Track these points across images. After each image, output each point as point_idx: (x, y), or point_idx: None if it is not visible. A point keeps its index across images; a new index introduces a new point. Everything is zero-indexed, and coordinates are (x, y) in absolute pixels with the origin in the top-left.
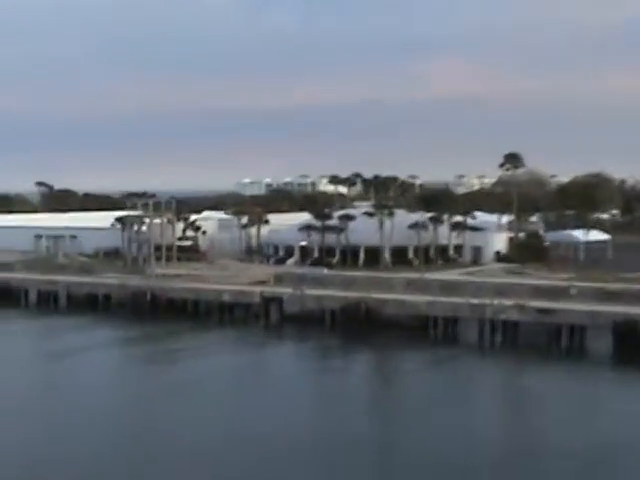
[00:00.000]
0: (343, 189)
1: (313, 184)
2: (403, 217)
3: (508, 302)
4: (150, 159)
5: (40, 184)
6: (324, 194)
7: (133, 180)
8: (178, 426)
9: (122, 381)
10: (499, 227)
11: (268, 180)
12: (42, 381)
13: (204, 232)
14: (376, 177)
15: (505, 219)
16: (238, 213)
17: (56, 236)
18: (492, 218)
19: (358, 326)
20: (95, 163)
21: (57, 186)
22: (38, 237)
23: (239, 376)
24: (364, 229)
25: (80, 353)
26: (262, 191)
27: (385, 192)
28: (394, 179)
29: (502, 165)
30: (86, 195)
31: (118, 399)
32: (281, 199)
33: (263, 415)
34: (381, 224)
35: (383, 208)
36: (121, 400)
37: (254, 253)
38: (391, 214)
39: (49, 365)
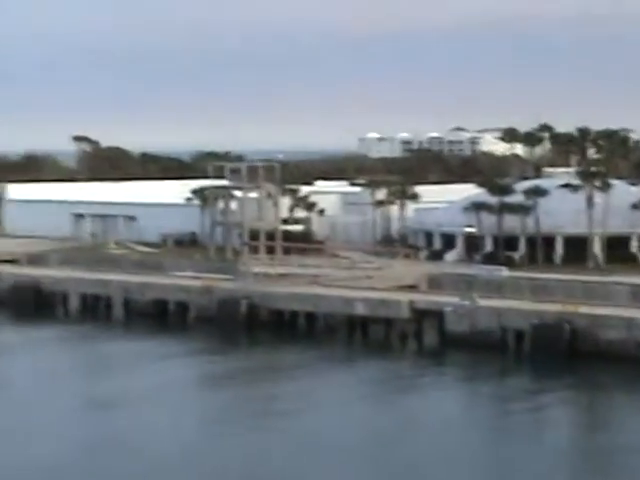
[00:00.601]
0: (519, 149)
1: (473, 141)
2: (622, 191)
3: None
4: (232, 106)
5: (80, 139)
6: (491, 156)
7: (209, 135)
8: None
9: (204, 455)
10: None
11: (405, 136)
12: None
13: (321, 212)
14: (582, 130)
15: None
16: (371, 185)
17: (105, 215)
18: None
19: (559, 357)
20: (157, 112)
21: (104, 142)
22: (79, 217)
23: (385, 452)
24: (562, 209)
25: (142, 403)
26: (397, 152)
27: (598, 153)
28: (610, 133)
29: None
30: (145, 156)
31: None
32: (427, 163)
33: None
34: (589, 202)
35: (592, 177)
36: None
37: (396, 243)
38: (606, 186)
39: (104, 433)
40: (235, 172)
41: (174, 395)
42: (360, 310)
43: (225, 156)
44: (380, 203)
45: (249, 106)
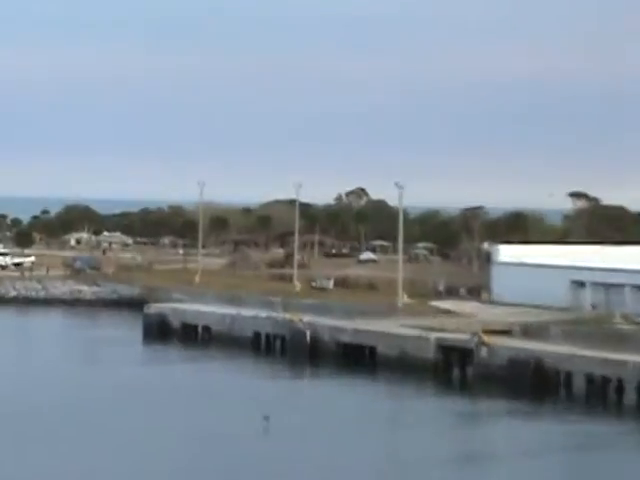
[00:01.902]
0: None
1: None
2: None
3: None
4: None
5: (577, 195)
6: None
7: None
8: None
9: None
10: None
11: None
12: None
13: None
14: None
15: None
16: None
17: (609, 284)
18: None
19: None
20: None
21: (605, 199)
22: (578, 284)
23: None
24: None
25: None
26: None
27: None
28: None
29: None
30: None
31: None
32: None
33: None
34: None
35: None
36: None
37: None
38: None
39: None
40: None
41: None
42: None
43: None
44: None
45: None
